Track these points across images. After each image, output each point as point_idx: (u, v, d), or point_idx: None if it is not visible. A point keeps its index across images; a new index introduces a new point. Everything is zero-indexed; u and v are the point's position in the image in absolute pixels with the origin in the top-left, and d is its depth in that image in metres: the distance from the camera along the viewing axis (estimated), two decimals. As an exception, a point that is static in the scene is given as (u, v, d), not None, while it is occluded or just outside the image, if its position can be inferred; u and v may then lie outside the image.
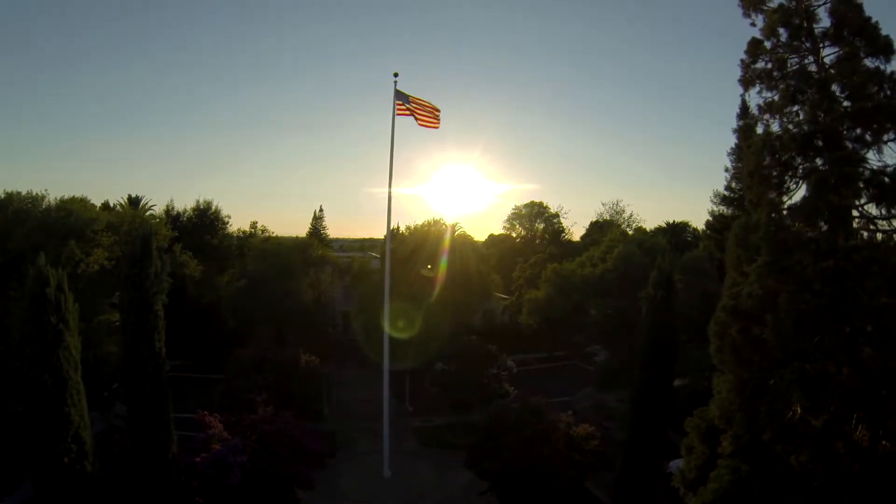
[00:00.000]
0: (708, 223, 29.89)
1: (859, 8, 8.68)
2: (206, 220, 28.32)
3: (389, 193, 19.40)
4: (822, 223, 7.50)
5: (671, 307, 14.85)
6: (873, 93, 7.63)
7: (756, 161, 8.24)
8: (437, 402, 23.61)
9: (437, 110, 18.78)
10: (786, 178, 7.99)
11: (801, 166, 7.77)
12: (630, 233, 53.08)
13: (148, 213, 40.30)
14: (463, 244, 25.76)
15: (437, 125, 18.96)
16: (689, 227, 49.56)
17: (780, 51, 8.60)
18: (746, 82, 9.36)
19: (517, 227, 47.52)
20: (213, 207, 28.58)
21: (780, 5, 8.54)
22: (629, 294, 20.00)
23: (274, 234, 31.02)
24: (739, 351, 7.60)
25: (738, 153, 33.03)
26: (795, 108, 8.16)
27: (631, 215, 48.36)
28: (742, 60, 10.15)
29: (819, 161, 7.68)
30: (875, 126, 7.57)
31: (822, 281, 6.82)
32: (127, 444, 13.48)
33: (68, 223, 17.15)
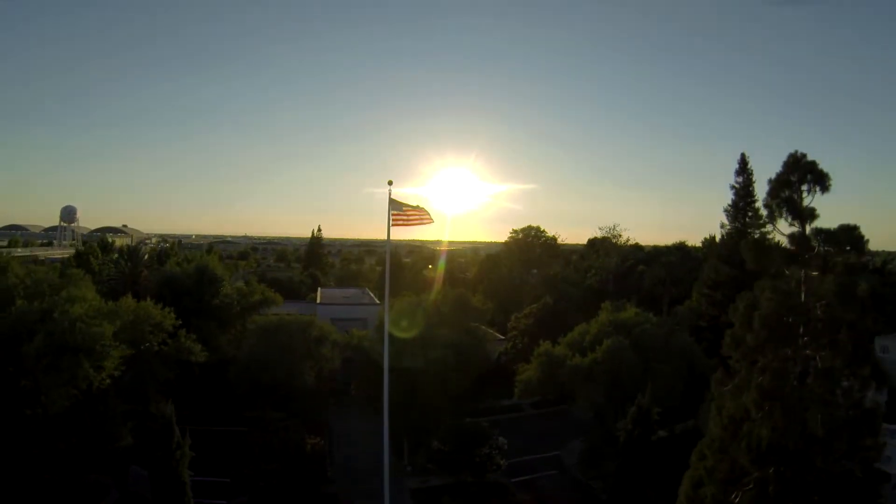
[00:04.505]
0: (703, 279, 30.53)
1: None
2: (205, 279, 28.96)
3: (387, 288, 20.32)
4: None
5: (647, 439, 15.87)
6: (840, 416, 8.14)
7: (720, 463, 8.85)
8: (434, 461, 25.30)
9: (425, 210, 19.16)
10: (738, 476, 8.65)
11: (754, 473, 8.40)
12: (628, 245, 53.53)
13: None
14: (464, 308, 26.68)
15: (430, 221, 19.44)
16: (686, 246, 50.01)
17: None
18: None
19: (514, 249, 47.98)
20: (211, 266, 29.13)
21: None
22: (616, 383, 21.18)
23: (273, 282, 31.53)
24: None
25: (734, 211, 33.20)
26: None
27: (628, 240, 48.62)
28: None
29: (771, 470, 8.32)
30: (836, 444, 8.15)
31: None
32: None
33: (76, 340, 17.85)
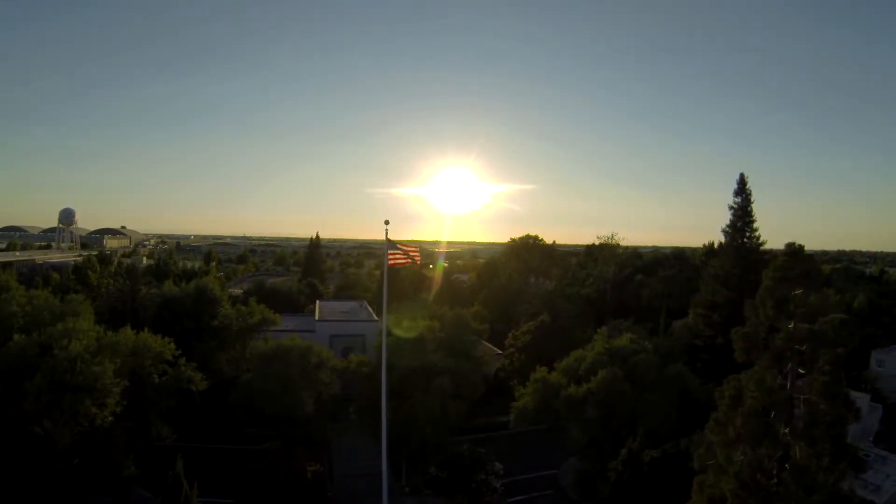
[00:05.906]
0: (701, 300, 30.75)
1: None
2: (204, 299, 29.18)
3: (385, 314, 20.80)
4: None
5: (637, 480, 16.21)
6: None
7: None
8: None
9: (418, 249, 20.89)
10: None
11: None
12: (626, 251, 53.66)
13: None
14: (461, 330, 27.01)
15: (418, 261, 21.06)
16: (685, 254, 50.09)
17: None
18: None
19: (513, 257, 48.10)
20: (210, 287, 29.34)
21: None
22: (610, 412, 21.53)
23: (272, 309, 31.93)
24: None
25: (732, 231, 33.14)
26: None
27: (626, 249, 48.70)
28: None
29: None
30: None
31: None
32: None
33: (76, 380, 18.07)
